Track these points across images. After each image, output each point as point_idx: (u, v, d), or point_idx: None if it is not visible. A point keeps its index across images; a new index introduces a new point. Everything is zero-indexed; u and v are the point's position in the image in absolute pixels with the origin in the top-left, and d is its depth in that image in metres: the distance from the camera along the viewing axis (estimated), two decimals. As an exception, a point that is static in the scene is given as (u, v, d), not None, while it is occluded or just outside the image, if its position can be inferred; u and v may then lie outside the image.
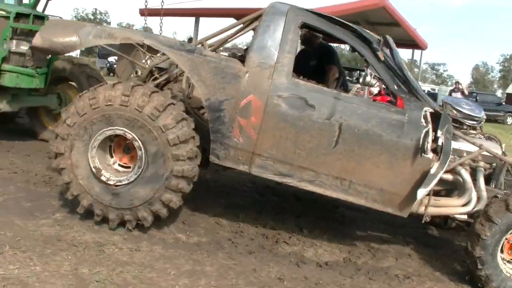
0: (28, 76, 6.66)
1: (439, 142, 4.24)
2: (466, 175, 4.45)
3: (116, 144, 4.57)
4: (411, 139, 4.28)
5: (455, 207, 4.45)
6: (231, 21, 16.03)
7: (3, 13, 6.55)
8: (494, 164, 4.66)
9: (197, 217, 5.22)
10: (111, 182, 4.37)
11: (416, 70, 38.32)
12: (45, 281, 3.54)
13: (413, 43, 18.97)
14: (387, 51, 4.63)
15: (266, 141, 4.41)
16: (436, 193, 4.52)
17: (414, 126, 4.30)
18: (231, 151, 4.47)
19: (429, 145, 4.24)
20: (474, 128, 4.83)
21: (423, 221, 4.46)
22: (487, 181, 4.62)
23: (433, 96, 28.89)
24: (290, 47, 4.43)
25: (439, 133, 4.25)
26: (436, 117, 4.41)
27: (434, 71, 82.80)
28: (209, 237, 4.76)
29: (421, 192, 4.20)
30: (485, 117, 4.96)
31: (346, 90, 4.92)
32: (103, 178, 4.37)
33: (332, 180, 4.42)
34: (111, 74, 26.53)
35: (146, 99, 4.22)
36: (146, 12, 7.99)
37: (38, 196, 5.22)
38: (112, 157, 4.59)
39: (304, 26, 4.63)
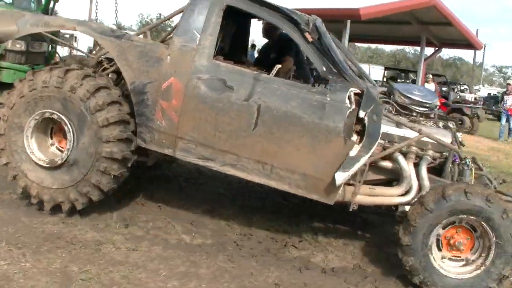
0: (25, 72, 6.69)
1: (363, 124, 4.05)
2: (403, 162, 4.23)
3: (57, 127, 4.62)
4: (333, 121, 4.07)
5: (392, 197, 4.24)
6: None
7: None
8: (446, 153, 4.34)
9: (207, 218, 5.07)
10: (42, 163, 4.46)
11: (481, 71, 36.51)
12: (30, 277, 3.50)
13: (467, 43, 18.01)
14: (317, 32, 4.34)
15: (187, 123, 4.35)
16: (385, 183, 4.37)
17: (336, 107, 4.09)
18: (155, 134, 4.46)
19: (351, 126, 4.05)
20: (426, 115, 4.60)
21: (350, 209, 4.23)
22: (440, 171, 4.33)
23: (495, 99, 27.43)
24: (212, 29, 4.38)
25: (361, 113, 4.05)
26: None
27: (502, 74, 78.89)
28: (215, 239, 4.60)
29: (340, 176, 4.00)
30: (438, 103, 4.70)
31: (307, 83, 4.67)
32: (34, 158, 4.47)
33: (253, 164, 4.27)
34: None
35: (79, 82, 4.31)
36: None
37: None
38: (52, 139, 4.69)
39: (229, 8, 4.46)
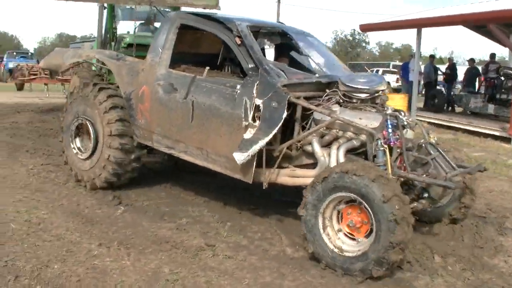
0: None
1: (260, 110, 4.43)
2: (315, 145, 4.48)
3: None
4: (241, 110, 4.54)
5: (309, 178, 4.36)
6: (457, 29, 14.68)
7: None
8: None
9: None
10: (80, 156, 5.95)
11: None
12: (124, 274, 3.73)
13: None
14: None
15: (154, 120, 5.36)
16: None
17: (244, 98, 4.55)
18: (140, 130, 5.57)
19: (249, 112, 4.47)
20: (371, 100, 4.68)
21: (263, 187, 4.59)
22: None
23: None
24: (169, 44, 5.38)
25: (258, 101, 4.45)
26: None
27: None
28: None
29: (238, 156, 4.42)
30: (381, 88, 4.70)
31: None
32: (74, 151, 6.09)
33: (196, 150, 5.05)
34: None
35: (96, 92, 5.76)
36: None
37: (178, 203, 5.58)
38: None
39: (182, 27, 5.40)
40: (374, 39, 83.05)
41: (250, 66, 4.68)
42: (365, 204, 3.72)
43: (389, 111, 4.43)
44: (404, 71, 17.50)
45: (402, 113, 4.58)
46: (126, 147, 5.60)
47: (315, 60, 5.54)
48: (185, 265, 3.94)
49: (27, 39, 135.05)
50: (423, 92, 19.83)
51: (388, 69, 35.85)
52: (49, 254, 4.00)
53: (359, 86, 4.67)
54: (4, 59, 29.95)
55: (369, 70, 36.35)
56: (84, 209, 5.19)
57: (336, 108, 4.55)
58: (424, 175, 4.18)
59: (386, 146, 4.15)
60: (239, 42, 4.81)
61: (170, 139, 5.25)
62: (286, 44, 5.66)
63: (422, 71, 17.45)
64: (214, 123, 4.77)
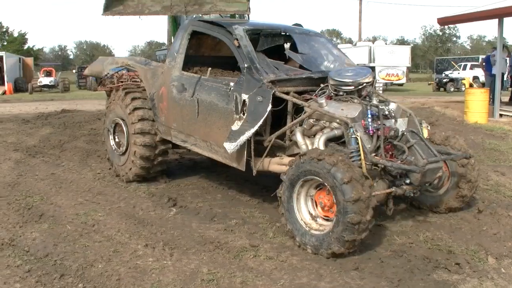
0: None
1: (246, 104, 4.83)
2: (298, 135, 4.78)
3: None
4: (232, 104, 5.00)
5: None
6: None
7: None
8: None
9: (371, 236, 4.58)
10: (117, 152, 6.68)
11: None
12: (162, 273, 3.76)
13: None
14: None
15: (171, 117, 5.93)
16: None
17: (235, 94, 4.99)
18: (162, 127, 6.17)
19: (238, 106, 4.90)
20: (353, 93, 4.83)
21: (253, 174, 4.99)
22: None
23: None
24: (182, 49, 5.97)
25: (244, 96, 4.87)
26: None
27: None
28: (361, 255, 4.12)
29: (228, 146, 4.85)
30: (366, 81, 4.83)
31: None
32: (112, 148, 6.81)
33: (202, 143, 5.58)
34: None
35: (124, 96, 6.50)
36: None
37: (232, 204, 5.56)
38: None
39: (194, 32, 5.97)
40: (465, 33, 79.07)
41: (245, 65, 5.05)
42: (328, 187, 3.98)
43: (373, 102, 4.70)
44: (487, 64, 16.39)
45: (393, 104, 4.86)
46: (148, 143, 6.17)
47: (316, 57, 5.83)
48: (224, 265, 3.90)
49: (118, 48, 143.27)
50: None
51: (477, 63, 33.90)
52: (96, 254, 4.13)
53: (345, 80, 4.87)
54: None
55: (456, 65, 34.74)
56: (139, 211, 5.32)
57: (322, 100, 4.75)
58: (399, 162, 4.35)
59: (358, 134, 4.34)
60: (236, 44, 5.22)
61: (183, 134, 5.82)
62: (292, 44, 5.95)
63: (508, 64, 16.26)
64: (214, 117, 5.28)
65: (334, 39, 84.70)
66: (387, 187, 4.33)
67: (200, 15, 7.85)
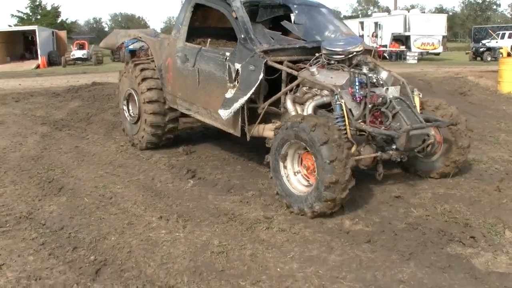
0: None
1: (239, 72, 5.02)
2: (288, 103, 4.94)
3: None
4: (227, 73, 5.20)
5: None
6: None
7: None
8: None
9: (385, 206, 4.50)
10: (131, 121, 6.96)
11: None
12: (174, 246, 3.76)
13: None
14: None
15: (176, 87, 6.18)
16: None
17: (229, 63, 5.18)
18: (169, 96, 6.41)
19: (232, 75, 5.10)
20: (344, 61, 4.96)
21: (247, 139, 5.26)
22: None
23: None
24: (186, 21, 6.17)
25: (237, 65, 5.05)
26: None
27: None
28: (375, 227, 4.03)
29: (222, 113, 5.06)
30: (356, 50, 4.95)
31: None
32: (127, 117, 7.15)
33: (203, 110, 5.82)
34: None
35: (133, 67, 6.79)
36: None
37: (250, 176, 5.53)
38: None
39: (197, 5, 6.10)
40: (506, 1, 75.97)
41: (241, 36, 5.20)
42: (309, 149, 4.20)
43: (363, 70, 4.81)
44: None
45: (384, 73, 5.00)
46: (157, 110, 6.44)
47: (314, 28, 5.93)
48: (236, 237, 3.88)
49: (153, 19, 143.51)
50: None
51: (516, 31, 32.60)
52: (110, 226, 4.17)
53: (335, 49, 4.99)
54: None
55: (494, 34, 33.43)
56: (157, 183, 5.34)
57: (314, 69, 4.86)
58: (383, 128, 4.50)
59: (342, 100, 4.48)
60: (234, 16, 5.36)
61: (187, 102, 6.07)
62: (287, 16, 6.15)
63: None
64: (212, 86, 5.49)
65: (372, 7, 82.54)
66: (373, 152, 4.47)
67: None
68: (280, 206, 4.54)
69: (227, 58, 5.25)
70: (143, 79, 6.55)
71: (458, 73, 15.65)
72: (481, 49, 29.94)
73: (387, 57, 28.58)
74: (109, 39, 8.24)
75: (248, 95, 4.86)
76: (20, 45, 34.93)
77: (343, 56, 4.95)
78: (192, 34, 6.20)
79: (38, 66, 29.92)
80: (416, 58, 27.31)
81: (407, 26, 29.82)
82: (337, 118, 4.46)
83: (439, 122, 4.87)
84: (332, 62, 4.98)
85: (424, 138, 4.75)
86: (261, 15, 5.83)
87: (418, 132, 4.57)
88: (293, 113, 4.83)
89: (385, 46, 29.23)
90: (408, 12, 32.56)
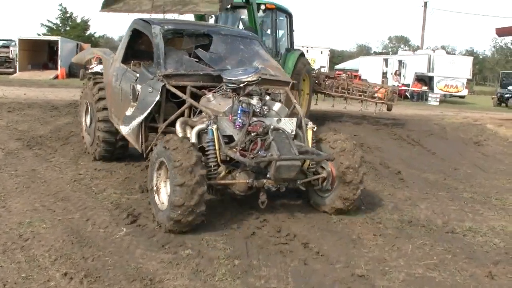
0: None
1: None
2: (176, 126, 5.18)
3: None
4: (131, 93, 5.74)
5: None
6: None
7: None
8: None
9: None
10: (85, 130, 7.64)
11: None
12: None
13: None
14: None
15: (110, 102, 6.61)
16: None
17: (133, 84, 5.74)
18: (109, 111, 6.69)
19: (135, 94, 5.59)
20: (238, 89, 5.16)
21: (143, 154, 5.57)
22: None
23: None
24: (124, 44, 6.69)
25: (138, 87, 5.57)
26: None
27: None
28: None
29: (123, 129, 5.77)
30: (248, 80, 5.11)
31: None
32: (84, 126, 7.75)
33: (123, 123, 5.83)
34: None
35: (92, 85, 7.28)
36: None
37: (197, 229, 4.73)
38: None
39: (134, 30, 6.48)
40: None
41: (155, 59, 5.59)
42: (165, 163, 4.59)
43: (252, 100, 5.04)
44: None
45: (277, 105, 5.36)
46: (109, 129, 6.72)
47: (231, 57, 6.08)
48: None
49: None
50: None
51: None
52: (2, 279, 3.46)
53: (229, 78, 5.23)
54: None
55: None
56: (89, 226, 4.63)
57: (209, 95, 5.26)
58: (252, 156, 4.65)
59: (214, 126, 4.75)
60: (153, 41, 5.75)
61: (116, 117, 6.31)
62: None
63: None
64: (126, 103, 5.83)
65: (402, 45, 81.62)
66: (248, 178, 4.68)
67: (178, 15, 8.12)
68: (212, 274, 3.77)
69: (136, 79, 5.72)
70: (99, 99, 6.94)
71: (477, 120, 14.76)
72: (507, 95, 28.80)
73: (409, 96, 27.66)
74: (80, 55, 8.99)
75: (145, 114, 5.24)
76: (44, 54, 34.98)
77: (236, 85, 5.16)
78: (133, 56, 6.62)
79: (56, 77, 29.83)
80: (438, 100, 26.29)
81: (431, 67, 28.89)
82: (208, 142, 4.76)
83: (315, 155, 4.96)
84: (228, 90, 5.23)
85: (296, 171, 4.76)
86: (186, 42, 6.21)
87: (286, 163, 4.60)
88: (181, 134, 5.03)
89: (408, 85, 28.31)
90: (433, 52, 31.65)
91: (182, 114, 5.28)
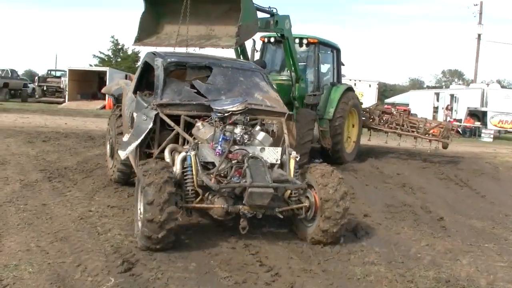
0: None
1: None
2: (165, 151, 5.49)
3: None
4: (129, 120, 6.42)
5: None
6: None
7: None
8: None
9: None
10: (108, 153, 8.29)
11: None
12: None
13: None
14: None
15: (124, 129, 6.90)
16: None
17: (131, 112, 6.36)
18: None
19: (132, 122, 5.99)
20: (227, 118, 5.49)
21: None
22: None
23: None
24: (136, 76, 7.28)
25: (134, 114, 5.99)
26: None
27: None
28: None
29: (120, 153, 5.81)
30: (232, 109, 5.46)
31: None
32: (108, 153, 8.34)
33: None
34: None
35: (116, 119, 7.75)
36: None
37: (199, 281, 4.17)
38: None
39: (145, 62, 6.89)
40: None
41: (155, 89, 5.95)
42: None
43: (235, 128, 5.36)
44: None
45: (261, 134, 5.57)
46: (125, 161, 6.60)
47: (228, 89, 6.21)
48: None
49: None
50: None
51: None
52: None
53: (216, 107, 5.55)
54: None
55: None
56: (78, 273, 4.16)
57: (198, 123, 5.52)
58: (226, 182, 4.88)
59: (193, 153, 5.06)
60: (155, 72, 6.11)
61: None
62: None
63: None
64: (127, 129, 6.38)
65: (456, 79, 79.34)
66: (225, 204, 4.85)
67: (199, 48, 8.16)
68: None
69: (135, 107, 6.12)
70: (118, 127, 7.37)
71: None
72: None
73: (461, 132, 26.41)
74: (108, 86, 9.38)
75: (139, 141, 5.49)
76: (94, 84, 35.92)
77: (221, 114, 5.47)
78: (146, 86, 6.88)
79: (104, 107, 30.38)
80: (491, 136, 24.94)
81: (484, 101, 27.59)
82: (186, 168, 5.06)
83: (288, 184, 5.07)
84: (216, 119, 5.45)
85: (269, 198, 4.77)
86: (190, 74, 6.43)
87: (259, 190, 4.69)
88: (168, 160, 5.33)
89: (460, 120, 27.08)
90: (487, 86, 30.29)
91: (176, 141, 5.59)
